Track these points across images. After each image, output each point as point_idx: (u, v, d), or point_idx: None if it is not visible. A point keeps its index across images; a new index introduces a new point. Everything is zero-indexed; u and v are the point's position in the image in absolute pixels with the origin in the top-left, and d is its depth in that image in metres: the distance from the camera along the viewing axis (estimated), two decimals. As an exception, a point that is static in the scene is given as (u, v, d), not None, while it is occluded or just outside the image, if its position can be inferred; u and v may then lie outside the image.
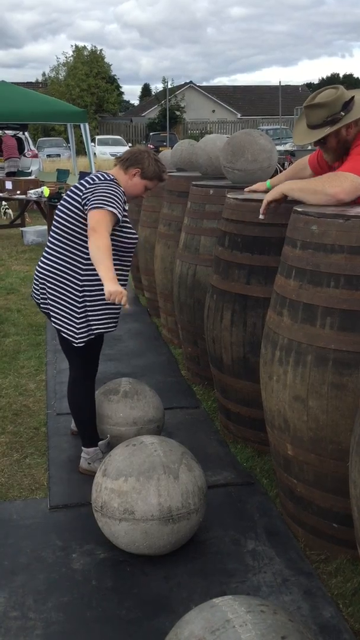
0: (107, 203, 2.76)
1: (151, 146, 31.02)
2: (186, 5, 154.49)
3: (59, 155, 25.56)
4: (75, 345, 2.96)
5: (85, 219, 2.82)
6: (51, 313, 2.99)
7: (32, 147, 16.35)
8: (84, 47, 41.61)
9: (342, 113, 2.64)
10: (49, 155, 24.73)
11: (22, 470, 3.19)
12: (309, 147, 3.00)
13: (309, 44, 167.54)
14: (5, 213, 12.60)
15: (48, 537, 2.65)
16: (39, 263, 3.03)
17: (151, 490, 2.39)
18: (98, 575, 2.42)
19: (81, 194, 2.87)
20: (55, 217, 2.99)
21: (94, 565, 2.47)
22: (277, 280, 2.60)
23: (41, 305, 3.05)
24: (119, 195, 2.85)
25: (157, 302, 5.43)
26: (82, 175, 11.15)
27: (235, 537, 2.64)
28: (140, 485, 2.39)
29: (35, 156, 15.75)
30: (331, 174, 2.63)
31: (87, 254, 2.86)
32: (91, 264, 2.83)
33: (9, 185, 11.34)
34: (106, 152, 29.42)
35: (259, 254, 3.10)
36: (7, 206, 12.53)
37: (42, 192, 9.93)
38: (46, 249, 3.01)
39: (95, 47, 47.64)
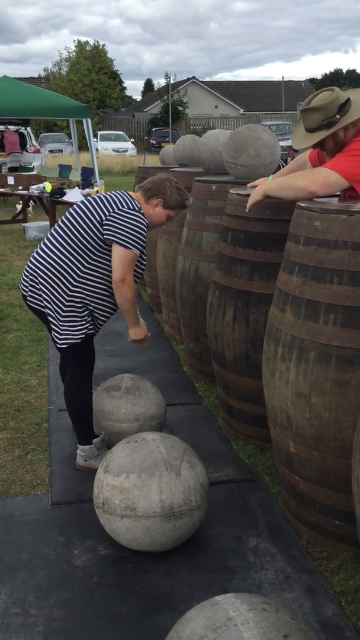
0: (133, 244, 2.86)
1: (153, 142, 31.03)
2: (189, 0, 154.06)
3: (61, 151, 25.52)
4: (59, 346, 2.99)
5: (100, 236, 2.88)
6: (43, 310, 2.99)
7: (35, 143, 16.33)
8: (87, 42, 41.53)
9: (338, 116, 2.64)
10: (51, 151, 24.70)
11: (24, 466, 3.19)
12: (312, 147, 3.01)
13: (312, 39, 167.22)
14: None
15: (49, 534, 2.65)
16: (35, 256, 2.99)
17: (153, 486, 2.38)
18: (99, 571, 2.42)
19: (107, 212, 2.89)
20: (68, 218, 2.97)
21: (96, 562, 2.47)
22: (279, 276, 2.59)
23: (28, 299, 3.04)
24: (144, 232, 2.91)
25: (159, 298, 5.42)
26: (85, 171, 11.19)
27: (237, 534, 2.63)
28: (142, 482, 2.39)
29: (38, 152, 15.73)
30: (307, 170, 2.69)
31: (88, 264, 2.91)
32: (86, 277, 2.91)
33: (11, 180, 11.33)
34: (108, 147, 29.40)
35: (262, 250, 3.08)
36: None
37: (44, 187, 9.92)
38: (47, 243, 2.98)
39: (97, 42, 47.52)
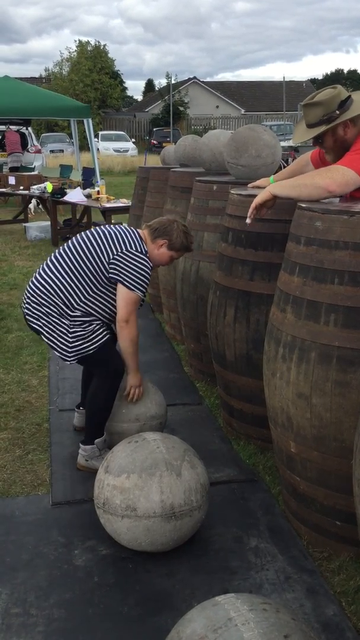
0: (138, 286, 2.94)
1: (154, 142, 31.02)
2: (190, 0, 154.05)
3: (62, 151, 25.54)
4: (69, 361, 3.01)
5: (105, 273, 2.95)
6: (42, 330, 3.01)
7: (36, 143, 16.33)
8: (88, 42, 41.55)
9: (338, 112, 2.65)
10: (52, 151, 24.73)
11: (25, 467, 3.19)
12: (312, 144, 2.96)
13: (313, 40, 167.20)
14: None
15: (50, 534, 2.65)
16: (37, 277, 3.03)
17: (153, 487, 2.38)
18: (100, 571, 2.42)
19: (115, 251, 2.95)
20: (75, 247, 3.02)
21: (96, 562, 2.47)
22: (280, 276, 2.59)
23: (28, 318, 3.05)
24: (149, 275, 2.99)
25: (160, 298, 5.42)
26: (86, 171, 11.18)
27: (237, 534, 2.63)
28: (143, 482, 2.39)
29: (39, 152, 15.73)
30: (322, 168, 2.66)
31: (89, 295, 2.97)
32: (87, 304, 2.96)
33: (12, 180, 11.34)
34: (109, 147, 29.42)
35: (263, 250, 3.08)
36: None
37: (45, 187, 9.92)
38: (51, 267, 3.01)
39: (98, 42, 47.46)
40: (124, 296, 2.94)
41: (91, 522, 2.65)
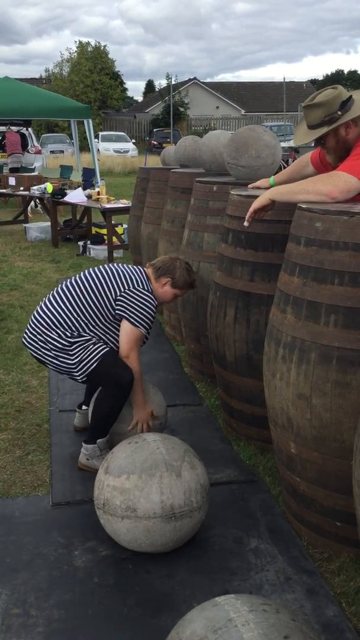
0: (142, 323, 3.01)
1: (154, 142, 31.03)
2: (191, 1, 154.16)
3: (62, 152, 25.56)
4: (80, 380, 3.02)
5: (112, 310, 3.02)
6: (45, 360, 3.03)
7: (36, 143, 16.31)
8: (88, 43, 41.59)
9: (339, 112, 2.64)
10: (52, 152, 24.74)
11: (25, 467, 3.19)
12: (312, 145, 2.96)
13: (313, 40, 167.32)
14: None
15: (50, 534, 2.65)
16: (44, 308, 3.05)
17: (153, 487, 2.38)
18: (100, 572, 2.42)
19: (122, 289, 3.01)
20: (83, 282, 3.06)
21: (96, 563, 2.47)
22: (280, 277, 2.59)
23: (29, 347, 3.07)
24: (154, 313, 3.06)
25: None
26: (86, 171, 11.18)
27: (237, 535, 2.63)
28: (143, 483, 2.39)
29: (39, 152, 15.72)
30: (324, 174, 2.63)
31: (93, 327, 3.01)
32: (89, 334, 3.00)
33: (12, 181, 11.33)
34: (110, 148, 29.42)
35: (263, 251, 3.09)
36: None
37: (45, 188, 9.93)
38: (57, 300, 3.04)
39: (99, 43, 47.54)
40: (127, 332, 2.99)
41: (91, 523, 2.65)
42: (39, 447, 3.39)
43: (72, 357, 2.97)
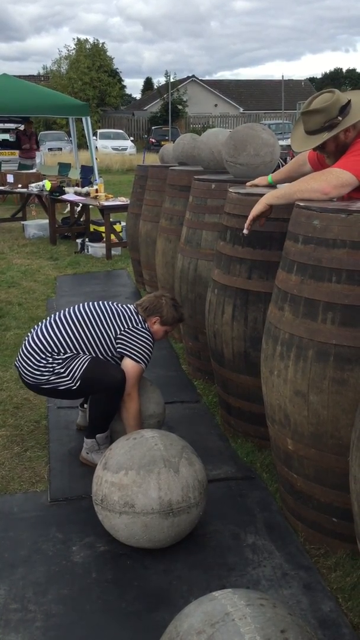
0: (143, 359, 3.09)
1: (153, 140, 30.99)
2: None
3: (60, 149, 25.48)
4: (74, 388, 3.02)
5: (112, 349, 3.08)
6: (39, 385, 3.03)
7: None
8: (86, 40, 41.49)
9: (340, 118, 2.64)
10: (50, 149, 24.67)
11: (23, 463, 3.20)
12: (312, 147, 2.99)
13: (312, 39, 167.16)
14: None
15: (48, 530, 2.66)
16: (40, 336, 3.06)
17: (151, 483, 2.39)
18: (98, 568, 2.43)
19: (122, 327, 3.09)
20: (83, 318, 3.09)
21: (94, 558, 2.48)
22: (278, 275, 2.60)
23: (23, 376, 3.08)
24: (152, 349, 3.15)
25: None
26: (84, 169, 11.17)
27: (235, 531, 2.64)
28: (141, 479, 2.40)
29: (37, 150, 15.66)
30: (317, 172, 2.66)
31: (90, 352, 3.04)
32: (71, 356, 3.02)
33: (10, 178, 11.32)
34: (108, 145, 29.35)
35: (261, 249, 3.09)
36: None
37: (43, 185, 9.92)
38: (51, 334, 3.05)
39: (97, 40, 47.49)
40: (128, 368, 3.04)
41: (89, 519, 2.67)
42: (37, 443, 3.40)
43: (62, 370, 2.99)
